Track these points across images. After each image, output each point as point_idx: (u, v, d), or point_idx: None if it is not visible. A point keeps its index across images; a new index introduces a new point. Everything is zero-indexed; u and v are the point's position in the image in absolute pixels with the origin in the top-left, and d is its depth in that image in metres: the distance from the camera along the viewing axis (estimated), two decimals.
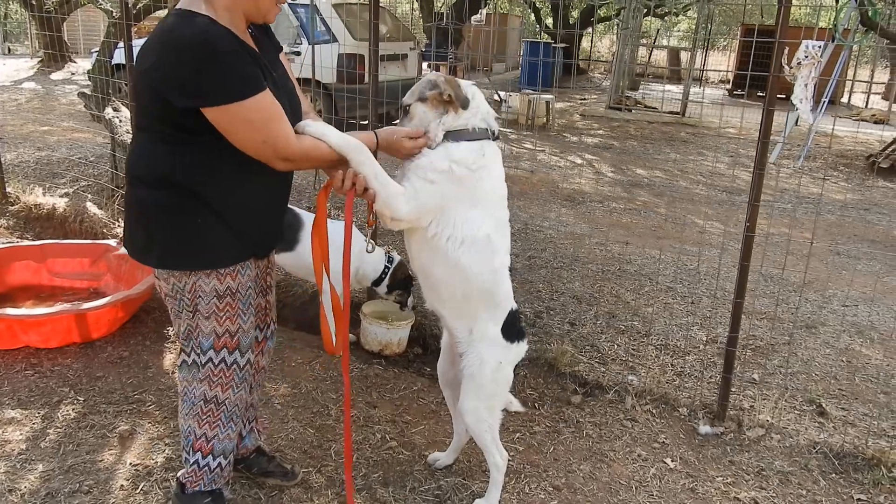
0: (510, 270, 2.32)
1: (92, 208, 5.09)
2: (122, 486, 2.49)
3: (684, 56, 20.11)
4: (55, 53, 15.04)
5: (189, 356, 2.16)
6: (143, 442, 2.74)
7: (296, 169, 2.06)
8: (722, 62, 22.89)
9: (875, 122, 12.92)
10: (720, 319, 4.15)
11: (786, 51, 6.80)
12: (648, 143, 10.86)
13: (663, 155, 9.83)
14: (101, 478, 2.52)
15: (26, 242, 4.48)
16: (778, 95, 2.99)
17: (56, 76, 14.50)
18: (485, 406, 2.34)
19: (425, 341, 3.74)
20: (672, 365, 3.63)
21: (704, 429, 3.08)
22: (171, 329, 3.59)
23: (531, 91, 11.64)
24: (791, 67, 7.81)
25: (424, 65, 10.70)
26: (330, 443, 2.82)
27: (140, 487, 2.48)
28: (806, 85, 7.81)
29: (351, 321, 3.60)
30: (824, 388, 3.50)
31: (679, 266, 5.10)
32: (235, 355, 2.15)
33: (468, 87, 2.19)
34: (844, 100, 16.70)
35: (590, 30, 19.54)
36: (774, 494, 2.71)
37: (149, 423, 2.86)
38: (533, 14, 22.47)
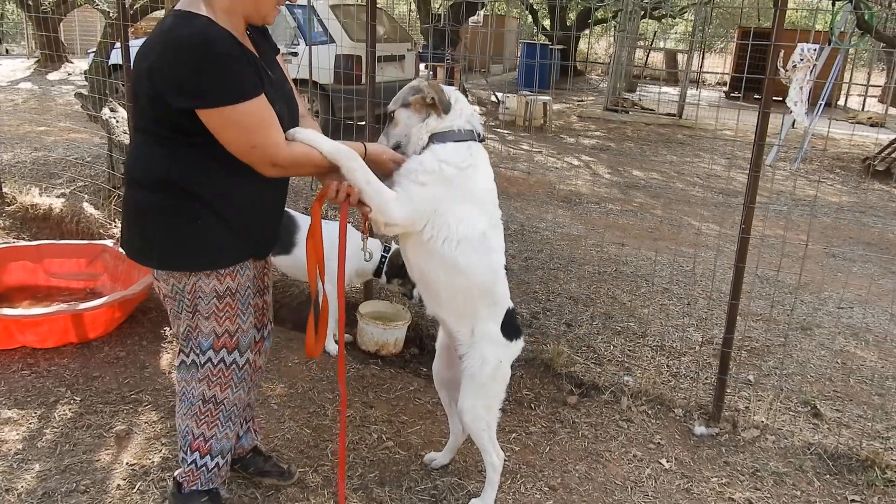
0: (506, 270, 2.33)
1: (88, 209, 5.08)
2: (118, 485, 2.49)
3: (681, 58, 20.15)
4: (52, 54, 15.06)
5: (188, 356, 2.17)
6: (140, 442, 2.74)
7: (286, 175, 2.04)
8: (719, 64, 22.98)
9: (871, 125, 12.95)
10: (716, 321, 4.16)
11: (781, 53, 6.83)
12: (645, 144, 10.88)
13: (660, 157, 9.85)
14: (98, 477, 2.52)
15: (23, 243, 4.47)
16: (774, 98, 3.00)
17: (53, 76, 14.46)
18: (483, 405, 2.35)
19: (422, 342, 3.75)
20: (668, 366, 3.65)
21: (700, 429, 3.09)
22: (167, 329, 3.59)
23: (528, 92, 11.65)
24: (787, 70, 7.83)
25: (422, 66, 10.69)
26: (326, 442, 2.83)
27: (137, 487, 2.48)
28: (801, 88, 7.83)
29: (347, 321, 3.62)
30: (819, 390, 3.52)
31: (675, 267, 5.11)
32: (235, 355, 2.15)
33: (451, 91, 2.23)
34: (841, 103, 16.75)
35: (587, 32, 19.57)
36: (769, 495, 2.72)
37: (145, 422, 2.87)
38: (530, 16, 22.48)
